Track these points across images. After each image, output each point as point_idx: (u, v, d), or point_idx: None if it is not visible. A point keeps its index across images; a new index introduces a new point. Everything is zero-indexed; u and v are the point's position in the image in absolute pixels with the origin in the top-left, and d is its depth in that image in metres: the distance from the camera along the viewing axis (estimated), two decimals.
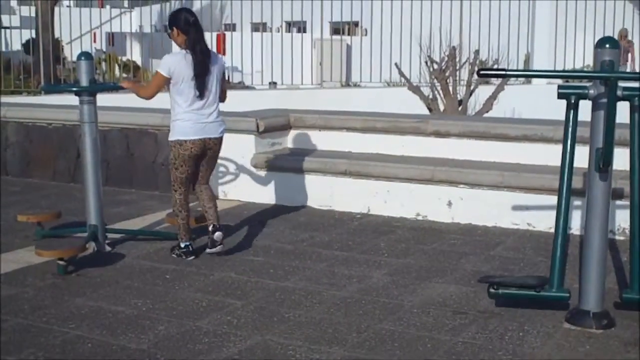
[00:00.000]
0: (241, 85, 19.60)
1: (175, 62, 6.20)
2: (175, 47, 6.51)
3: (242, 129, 8.27)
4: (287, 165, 8.15)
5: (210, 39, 18.36)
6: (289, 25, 23.46)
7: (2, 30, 20.77)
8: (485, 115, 14.01)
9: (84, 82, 6.42)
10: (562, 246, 4.94)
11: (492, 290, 5.00)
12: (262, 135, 8.36)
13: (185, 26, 6.26)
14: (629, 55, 22.43)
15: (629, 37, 22.58)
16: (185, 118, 6.24)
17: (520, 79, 18.81)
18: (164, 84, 6.24)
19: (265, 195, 8.22)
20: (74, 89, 6.58)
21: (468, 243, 6.69)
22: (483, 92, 14.87)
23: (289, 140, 8.66)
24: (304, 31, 24.18)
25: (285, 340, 4.56)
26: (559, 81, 6.83)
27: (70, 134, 9.41)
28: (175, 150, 6.28)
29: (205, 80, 6.22)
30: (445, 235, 6.97)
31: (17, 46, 20.84)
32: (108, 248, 6.51)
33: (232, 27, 20.37)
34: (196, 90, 6.19)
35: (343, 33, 23.90)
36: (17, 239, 6.83)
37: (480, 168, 7.45)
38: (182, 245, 6.38)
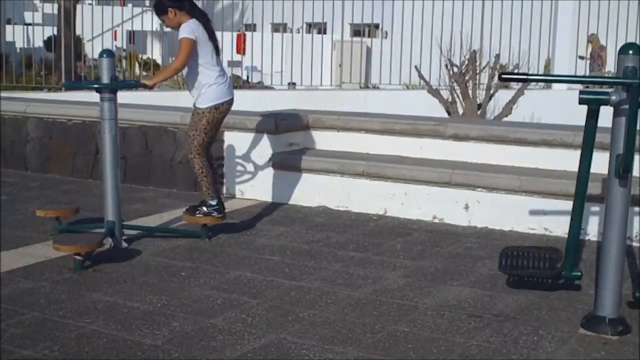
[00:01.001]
0: (260, 86, 19.64)
1: (195, 26, 6.55)
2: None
3: (260, 129, 8.28)
4: (304, 165, 8.16)
5: (230, 39, 18.43)
6: (309, 26, 23.51)
7: (25, 26, 20.88)
8: (505, 119, 13.98)
9: (105, 79, 6.44)
10: (576, 231, 5.03)
11: (511, 279, 5.11)
12: (280, 135, 8.37)
13: (181, 2, 6.60)
14: (600, 60, 22.40)
15: (601, 43, 22.51)
16: (219, 82, 6.68)
17: (540, 83, 18.77)
18: (192, 48, 6.50)
19: (282, 195, 8.23)
20: (96, 85, 6.60)
21: (484, 247, 6.68)
22: (503, 96, 14.87)
23: (307, 141, 8.67)
24: (324, 32, 24.18)
25: (300, 339, 4.57)
26: (580, 86, 6.83)
27: (90, 130, 9.45)
28: (210, 115, 6.64)
29: (217, 41, 6.70)
30: (462, 238, 6.96)
31: (38, 43, 20.95)
32: (125, 244, 6.53)
33: (252, 28, 20.43)
34: (214, 51, 6.65)
35: (363, 35, 23.90)
36: (35, 234, 6.87)
37: (498, 172, 7.43)
38: (213, 202, 6.73)
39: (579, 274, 5.22)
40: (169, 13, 6.59)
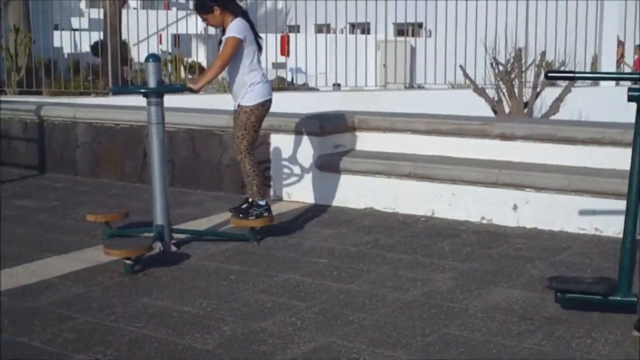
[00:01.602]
0: (305, 87, 19.67)
1: (244, 25, 6.67)
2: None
3: (306, 131, 8.30)
4: (351, 167, 8.15)
5: (274, 40, 18.49)
6: (353, 26, 23.47)
7: (72, 32, 21.11)
8: (552, 117, 13.86)
9: (152, 83, 6.49)
10: (631, 250, 4.87)
11: (559, 294, 4.95)
12: (326, 137, 8.38)
13: (227, 1, 6.72)
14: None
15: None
16: (264, 80, 6.87)
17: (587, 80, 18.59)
18: (237, 48, 6.62)
19: (329, 197, 8.24)
20: (142, 90, 6.66)
21: (534, 247, 6.62)
22: (549, 94, 14.73)
23: (353, 142, 8.66)
24: (368, 32, 24.16)
25: (349, 343, 4.57)
26: (629, 83, 6.74)
27: (138, 134, 9.53)
28: (257, 112, 6.78)
29: (260, 40, 6.89)
30: (511, 239, 6.91)
31: (85, 48, 21.18)
32: (174, 248, 6.58)
33: (296, 29, 20.46)
34: (257, 51, 6.79)
35: (407, 34, 23.85)
36: (86, 238, 6.94)
37: (546, 171, 7.37)
38: (262, 203, 6.85)
39: (634, 299, 4.88)
40: (215, 11, 6.67)
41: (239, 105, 6.79)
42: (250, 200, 6.93)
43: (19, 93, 16.31)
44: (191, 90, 6.86)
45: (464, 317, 4.98)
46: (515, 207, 7.35)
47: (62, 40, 19.72)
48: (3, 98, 14.09)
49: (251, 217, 6.83)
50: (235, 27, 6.63)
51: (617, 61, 21.57)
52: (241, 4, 7.21)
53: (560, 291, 4.96)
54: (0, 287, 5.56)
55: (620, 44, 21.92)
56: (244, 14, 6.79)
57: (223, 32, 6.83)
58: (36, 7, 19.58)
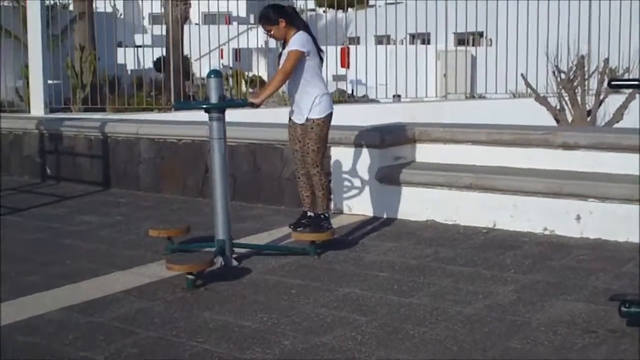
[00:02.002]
0: (365, 99, 19.67)
1: (307, 38, 6.77)
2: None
3: (367, 143, 8.30)
4: (411, 179, 8.13)
5: (335, 52, 18.53)
6: (413, 37, 23.42)
7: (135, 49, 21.42)
8: (616, 125, 13.66)
9: (214, 99, 6.55)
10: None
11: (624, 308, 4.87)
12: (387, 149, 8.37)
13: (292, 14, 6.84)
14: None
15: None
16: (327, 92, 6.99)
17: None
18: (299, 61, 6.71)
19: (389, 209, 8.22)
20: (204, 106, 6.72)
21: (598, 259, 6.53)
22: (613, 101, 14.54)
23: (413, 154, 8.64)
24: (428, 43, 24.10)
25: (410, 357, 4.55)
26: None
27: (199, 149, 9.62)
28: (328, 123, 6.94)
29: (322, 53, 6.97)
30: (574, 250, 6.82)
31: (148, 64, 21.45)
32: (235, 263, 6.62)
33: (356, 41, 20.46)
34: (320, 64, 6.89)
35: (468, 44, 23.72)
36: (149, 253, 7.03)
37: (610, 181, 7.26)
38: (327, 215, 7.06)
39: None
40: (280, 24, 6.73)
41: (307, 119, 6.82)
42: (319, 213, 6.97)
43: (84, 110, 16.58)
44: (252, 105, 6.91)
45: (526, 330, 4.93)
46: (578, 218, 7.26)
47: (126, 57, 20.03)
48: (69, 115, 14.34)
49: (325, 231, 6.90)
50: (299, 40, 6.69)
51: None
52: (302, 16, 7.26)
53: (625, 304, 4.87)
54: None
55: None
56: (306, 28, 6.85)
57: (284, 45, 6.89)
58: (101, 25, 19.91)
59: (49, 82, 14.33)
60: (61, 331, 5.10)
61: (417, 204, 8.09)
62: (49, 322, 5.29)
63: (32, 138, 11.53)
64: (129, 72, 21.01)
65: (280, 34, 6.84)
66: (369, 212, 8.34)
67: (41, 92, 13.25)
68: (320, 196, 6.96)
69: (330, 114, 6.89)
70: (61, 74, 16.90)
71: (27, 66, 14.05)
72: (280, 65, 6.87)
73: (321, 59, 6.92)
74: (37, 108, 13.26)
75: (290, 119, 7.09)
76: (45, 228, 8.17)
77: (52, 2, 19.27)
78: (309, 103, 6.80)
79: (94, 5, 20.31)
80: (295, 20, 6.83)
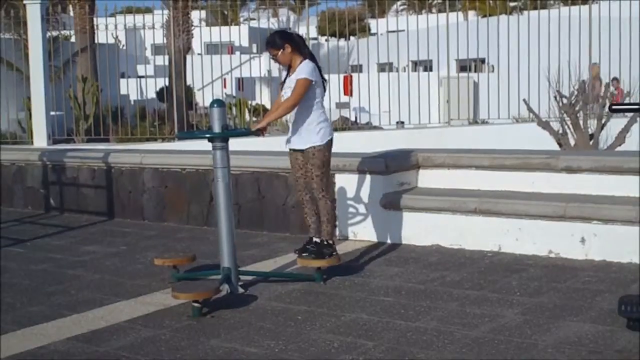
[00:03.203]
0: (369, 126, 19.71)
1: (315, 68, 6.83)
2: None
3: (371, 170, 8.32)
4: (416, 204, 8.14)
5: (337, 80, 18.60)
6: (415, 64, 23.51)
7: (138, 79, 21.52)
8: (618, 149, 13.68)
9: (217, 128, 6.58)
10: None
11: (631, 323, 4.89)
12: (391, 176, 8.38)
13: (298, 42, 6.90)
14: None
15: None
16: (327, 118, 7.03)
17: None
18: (307, 89, 6.77)
19: (395, 235, 8.23)
20: (208, 135, 6.75)
21: (603, 280, 6.53)
22: (615, 125, 14.55)
23: (417, 180, 8.66)
24: (430, 69, 24.15)
25: None
26: None
27: (203, 178, 9.64)
28: (330, 148, 6.95)
29: (325, 81, 7.04)
30: (579, 272, 6.82)
31: (151, 94, 21.53)
32: (241, 290, 6.62)
33: (358, 69, 20.54)
34: (323, 93, 6.94)
35: (470, 70, 23.78)
36: (155, 282, 7.03)
37: (614, 203, 7.28)
38: (331, 242, 6.98)
39: None
40: (286, 49, 6.78)
41: (309, 147, 6.84)
42: (322, 240, 6.96)
43: (87, 141, 16.61)
44: (257, 131, 6.94)
45: (533, 352, 4.92)
46: (583, 240, 7.26)
47: (129, 88, 20.11)
48: (72, 146, 14.39)
49: (328, 257, 6.87)
50: (307, 69, 6.76)
51: None
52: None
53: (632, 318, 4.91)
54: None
55: None
56: (311, 57, 6.90)
57: (288, 71, 6.94)
58: (103, 56, 20.00)
59: (52, 113, 14.40)
60: None
61: (422, 229, 8.09)
62: (53, 352, 5.29)
63: (35, 169, 11.57)
64: (132, 102, 21.09)
65: (285, 59, 6.89)
66: (373, 238, 8.35)
67: (44, 123, 13.32)
68: (325, 221, 6.96)
69: (331, 140, 6.92)
70: (64, 106, 16.97)
71: (29, 98, 14.10)
72: (283, 91, 6.91)
73: (324, 89, 6.97)
74: (40, 139, 13.32)
75: (289, 147, 7.07)
76: (49, 259, 8.18)
77: (54, 34, 19.34)
78: (311, 130, 6.83)
79: (96, 36, 20.42)
80: (301, 47, 6.88)
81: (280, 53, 6.86)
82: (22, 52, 15.47)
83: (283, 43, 6.83)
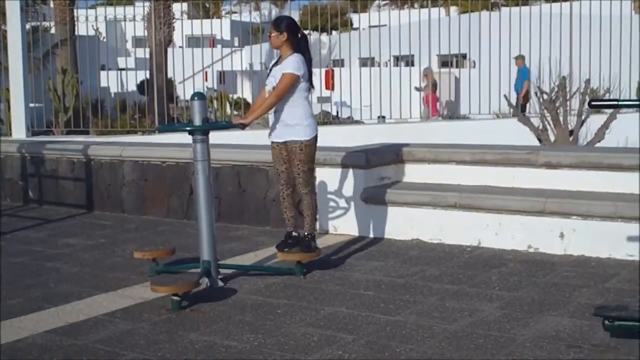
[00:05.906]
0: (350, 120, 19.71)
1: (302, 62, 6.79)
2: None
3: (352, 164, 8.32)
4: (396, 199, 8.15)
5: (319, 74, 18.58)
6: (397, 59, 23.51)
7: (118, 72, 21.43)
8: (598, 145, 13.74)
9: (197, 121, 6.56)
10: None
11: (607, 322, 4.89)
12: (372, 170, 8.39)
13: (296, 31, 6.88)
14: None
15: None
16: (313, 114, 7.04)
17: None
18: (293, 84, 6.75)
19: (375, 229, 8.23)
20: (188, 128, 6.72)
21: (581, 275, 6.56)
22: (595, 121, 14.62)
23: (398, 174, 8.67)
24: (412, 65, 24.18)
25: None
26: None
27: (184, 171, 9.62)
28: (316, 144, 6.95)
29: (312, 77, 6.95)
30: (558, 267, 6.84)
31: (132, 87, 21.44)
32: (221, 283, 6.60)
33: (340, 63, 20.52)
34: (309, 88, 6.91)
35: (451, 65, 23.82)
36: (134, 275, 7.00)
37: (593, 199, 7.31)
38: (314, 235, 6.98)
39: None
40: (282, 35, 6.77)
41: (296, 141, 6.81)
42: (305, 233, 6.96)
43: (67, 133, 16.53)
44: (241, 126, 6.94)
45: (512, 346, 4.94)
46: (562, 236, 7.29)
47: (109, 80, 20.02)
48: (51, 138, 14.31)
49: (312, 251, 6.91)
50: (294, 63, 6.73)
51: None
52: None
53: (609, 319, 4.89)
54: None
55: None
56: (307, 53, 6.89)
57: (277, 59, 6.94)
58: (84, 48, 19.89)
59: (31, 105, 14.30)
60: (44, 354, 5.06)
61: (402, 224, 8.10)
62: (31, 345, 5.25)
63: (14, 161, 11.50)
64: (113, 94, 20.99)
65: (276, 43, 6.87)
66: (354, 231, 8.35)
67: (23, 115, 13.22)
68: (308, 216, 6.96)
69: (316, 136, 6.92)
70: (43, 98, 16.87)
71: (8, 89, 14.00)
72: (267, 80, 6.89)
73: (312, 84, 6.93)
74: (19, 131, 13.23)
75: (273, 140, 7.04)
76: (27, 251, 8.13)
77: (34, 25, 19.23)
78: (297, 125, 6.80)
79: (76, 28, 20.31)
80: (297, 43, 6.82)
81: (275, 34, 6.83)
82: (0, 43, 15.34)
83: (284, 29, 6.82)
